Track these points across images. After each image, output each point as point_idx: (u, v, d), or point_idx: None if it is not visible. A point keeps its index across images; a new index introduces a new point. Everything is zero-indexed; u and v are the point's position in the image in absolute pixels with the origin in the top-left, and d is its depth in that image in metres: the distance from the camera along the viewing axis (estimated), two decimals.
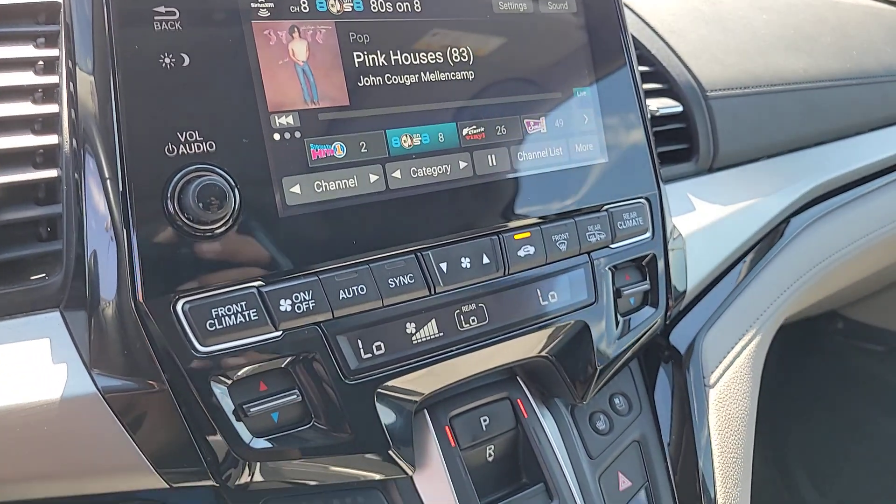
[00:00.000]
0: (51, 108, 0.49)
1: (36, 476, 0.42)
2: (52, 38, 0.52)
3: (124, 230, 0.43)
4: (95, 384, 0.43)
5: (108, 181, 0.43)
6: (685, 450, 0.67)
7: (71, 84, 0.44)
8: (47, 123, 0.49)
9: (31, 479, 0.42)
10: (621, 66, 0.66)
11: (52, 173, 0.47)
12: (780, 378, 1.99)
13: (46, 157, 0.48)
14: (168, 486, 0.45)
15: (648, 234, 0.66)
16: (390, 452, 0.50)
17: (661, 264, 0.67)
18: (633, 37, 0.80)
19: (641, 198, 0.66)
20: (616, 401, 0.68)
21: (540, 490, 0.58)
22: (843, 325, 1.84)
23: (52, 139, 0.48)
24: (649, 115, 0.69)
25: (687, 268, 0.71)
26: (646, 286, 0.66)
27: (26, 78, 0.49)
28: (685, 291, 0.70)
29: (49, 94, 0.49)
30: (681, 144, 0.80)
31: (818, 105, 0.92)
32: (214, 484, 0.46)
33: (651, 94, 0.79)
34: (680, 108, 0.78)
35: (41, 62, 0.51)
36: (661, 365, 0.71)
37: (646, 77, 0.80)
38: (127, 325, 0.43)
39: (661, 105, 0.77)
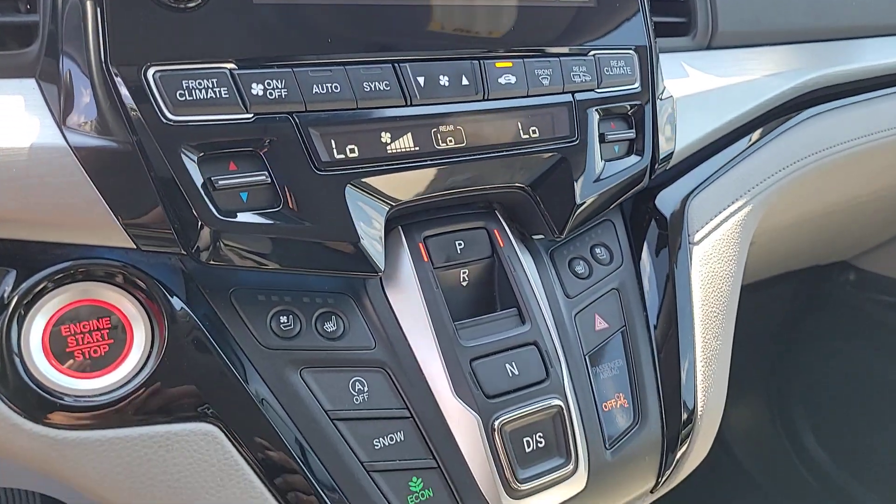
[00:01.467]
0: None
1: (5, 216, 0.43)
2: None
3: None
4: (66, 139, 0.44)
5: None
6: (665, 301, 0.67)
7: None
8: None
9: (4, 214, 0.43)
10: None
11: None
12: (788, 330, 1.97)
13: None
14: (136, 247, 0.46)
15: (636, 85, 0.66)
16: (359, 245, 0.51)
17: (648, 116, 0.66)
18: None
19: (630, 48, 0.66)
20: (597, 250, 0.67)
21: (512, 314, 0.58)
22: (854, 276, 1.81)
23: None
24: None
25: (676, 128, 0.70)
26: (631, 135, 0.66)
27: None
28: (672, 153, 0.70)
29: None
30: (679, 18, 0.79)
31: (828, 1, 0.91)
32: (182, 252, 0.47)
33: None
34: None
35: None
36: (646, 225, 0.71)
37: None
38: (97, 88, 0.44)
39: None
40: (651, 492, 0.64)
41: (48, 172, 0.43)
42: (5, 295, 0.43)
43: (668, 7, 0.79)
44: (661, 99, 0.68)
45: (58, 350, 0.44)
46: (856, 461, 1.86)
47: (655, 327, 0.66)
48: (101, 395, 0.44)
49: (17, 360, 0.42)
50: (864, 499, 1.83)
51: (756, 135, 0.80)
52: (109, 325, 0.45)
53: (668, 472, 0.63)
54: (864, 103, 0.91)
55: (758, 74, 0.81)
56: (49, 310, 0.44)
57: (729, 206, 0.73)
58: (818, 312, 1.91)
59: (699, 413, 0.65)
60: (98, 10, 0.44)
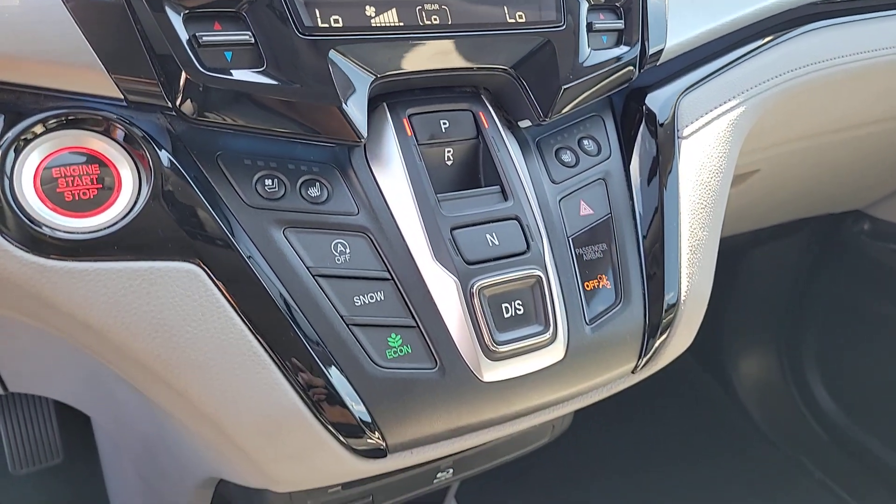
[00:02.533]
0: None
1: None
2: None
3: None
4: None
5: None
6: (652, 191, 0.67)
7: None
8: None
9: None
10: None
11: None
12: (800, 280, 1.95)
13: None
14: (124, 98, 0.48)
15: None
16: (341, 109, 0.52)
17: (637, 8, 0.67)
18: None
19: None
20: (585, 142, 0.68)
21: (496, 191, 0.60)
22: (868, 225, 1.79)
23: None
24: None
25: (667, 24, 0.70)
26: (619, 25, 0.66)
27: None
28: (662, 49, 0.70)
29: None
30: None
31: None
32: (168, 106, 0.49)
33: None
34: None
35: None
36: (636, 121, 0.71)
37: None
38: None
39: None
40: (633, 372, 0.65)
41: (40, 20, 0.45)
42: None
43: None
44: None
45: (49, 191, 0.46)
46: (868, 414, 1.85)
47: (641, 216, 0.66)
48: (88, 232, 0.46)
49: (10, 196, 0.45)
50: (877, 452, 1.82)
51: (753, 45, 0.80)
52: (98, 172, 0.47)
53: (649, 354, 0.65)
54: (872, 20, 0.89)
55: None
56: (41, 153, 0.46)
57: (721, 105, 0.73)
58: (831, 262, 1.89)
59: (682, 298, 0.65)
60: None
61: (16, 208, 0.45)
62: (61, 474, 1.45)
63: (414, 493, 0.75)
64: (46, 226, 0.45)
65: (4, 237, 0.44)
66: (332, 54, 0.52)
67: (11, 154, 0.45)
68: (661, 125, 0.70)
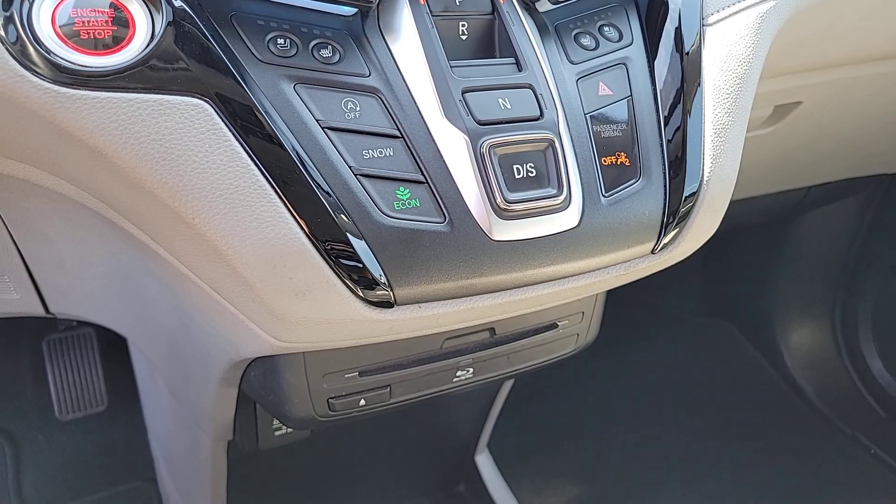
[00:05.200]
0: None
1: None
2: None
3: None
4: None
5: None
6: (674, 75, 0.65)
7: None
8: None
9: None
10: None
11: None
12: (854, 247, 1.87)
13: None
14: None
15: None
16: None
17: None
18: None
19: None
20: (606, 29, 0.67)
21: (510, 62, 0.59)
22: None
23: None
24: None
25: None
26: None
27: None
28: None
29: None
30: None
31: None
32: None
33: None
34: None
35: None
36: (660, 12, 0.69)
37: None
38: None
39: None
40: (652, 252, 0.63)
41: None
42: None
43: None
44: None
45: (66, 30, 0.48)
46: None
47: (663, 99, 0.65)
48: (105, 69, 0.47)
49: (29, 34, 0.46)
50: None
51: None
52: (113, 14, 0.49)
53: (670, 235, 0.63)
54: None
55: None
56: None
57: None
58: (888, 227, 1.81)
59: (706, 179, 0.63)
60: None
61: (34, 42, 0.46)
62: (104, 421, 1.50)
63: (434, 390, 0.75)
64: (64, 58, 0.47)
65: (24, 66, 0.46)
66: None
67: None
68: (686, 14, 0.68)
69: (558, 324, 0.77)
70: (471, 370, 0.75)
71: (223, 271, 0.51)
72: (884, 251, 1.82)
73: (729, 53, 0.68)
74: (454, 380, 0.75)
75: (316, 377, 0.68)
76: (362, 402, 0.72)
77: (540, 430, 1.71)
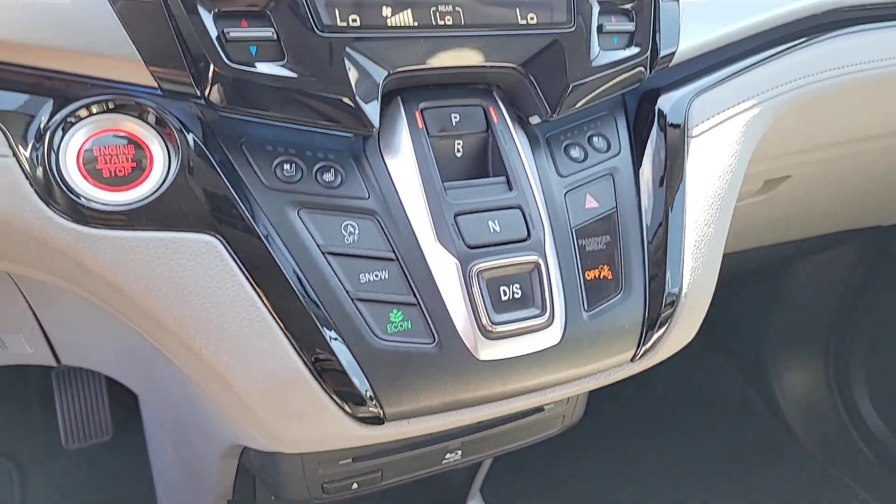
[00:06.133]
0: None
1: (51, 50, 0.51)
2: None
3: None
4: None
5: None
6: (658, 187, 0.69)
7: None
8: None
9: (47, 53, 0.51)
10: None
11: None
12: (848, 294, 1.91)
13: None
14: (158, 87, 0.54)
15: None
16: (354, 100, 0.56)
17: (649, 12, 0.69)
18: None
19: None
20: (595, 139, 0.71)
21: (501, 181, 0.63)
22: None
23: None
24: None
25: (680, 27, 0.72)
26: (630, 27, 0.69)
27: None
28: (675, 51, 0.72)
29: None
30: None
31: None
32: (197, 94, 0.54)
33: None
34: None
35: None
36: (647, 121, 0.73)
37: None
38: None
39: None
40: (631, 360, 0.67)
41: (89, 16, 0.51)
42: (48, 116, 0.52)
43: None
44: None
45: (89, 167, 0.52)
46: None
47: (646, 210, 0.68)
48: (122, 205, 0.51)
49: (55, 170, 0.51)
50: None
51: (770, 51, 0.80)
52: (133, 152, 0.53)
53: (648, 344, 0.66)
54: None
55: None
56: (84, 133, 0.52)
57: (733, 106, 0.75)
58: (881, 277, 1.84)
59: (684, 291, 0.67)
60: None
61: (60, 182, 0.50)
62: (109, 450, 1.54)
63: (424, 471, 0.78)
64: (86, 197, 0.51)
65: (50, 207, 0.50)
66: (349, 51, 0.57)
67: (59, 133, 0.51)
68: (672, 125, 0.72)
69: (544, 407, 0.81)
70: (459, 452, 0.79)
71: (226, 392, 0.56)
72: (877, 299, 1.85)
73: (712, 165, 0.72)
74: (443, 461, 0.79)
75: (311, 465, 0.72)
76: (355, 485, 0.76)
77: (533, 474, 1.75)
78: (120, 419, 1.55)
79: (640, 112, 0.74)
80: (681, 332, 0.68)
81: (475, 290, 0.58)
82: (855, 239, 1.81)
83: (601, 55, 0.67)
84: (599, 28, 0.67)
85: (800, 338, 1.98)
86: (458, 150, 0.64)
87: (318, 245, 0.56)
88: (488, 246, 0.59)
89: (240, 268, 0.53)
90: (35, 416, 1.55)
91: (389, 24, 0.59)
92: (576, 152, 0.69)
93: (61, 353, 1.00)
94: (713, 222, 0.70)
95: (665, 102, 0.74)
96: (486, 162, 0.65)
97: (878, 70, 0.88)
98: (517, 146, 0.65)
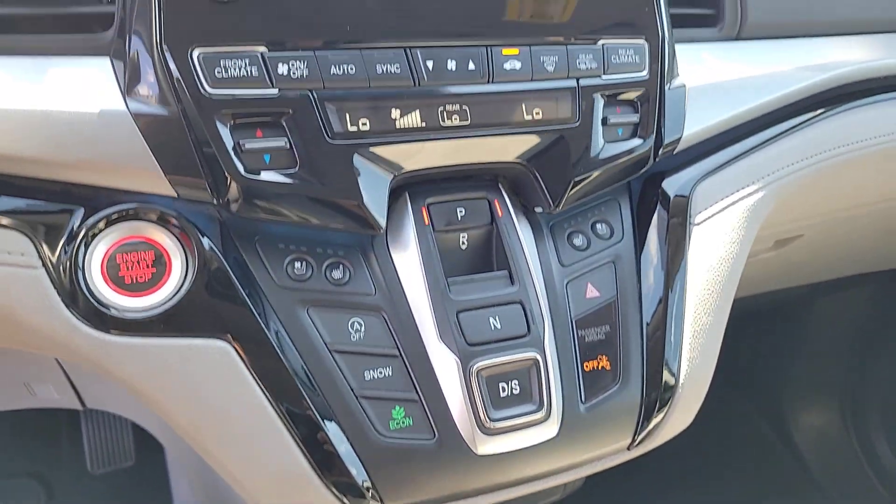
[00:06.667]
0: None
1: (75, 164, 0.55)
2: None
3: None
4: (127, 106, 0.55)
5: None
6: (659, 276, 0.71)
7: None
8: None
9: (71, 166, 0.55)
10: None
11: None
12: (865, 334, 1.89)
13: None
14: (177, 196, 0.57)
15: (644, 73, 0.70)
16: (361, 205, 0.59)
17: (653, 103, 0.71)
18: None
19: (641, 38, 0.70)
20: (599, 226, 0.72)
21: (503, 276, 0.65)
22: None
23: None
24: None
25: (685, 115, 0.74)
26: (635, 119, 0.70)
27: None
28: (680, 138, 0.73)
29: None
30: (707, 9, 0.82)
31: None
32: (214, 201, 0.57)
33: None
34: None
35: None
36: (651, 206, 0.75)
37: None
38: (152, 65, 0.54)
39: None
40: (628, 449, 0.69)
41: (113, 132, 0.55)
42: (75, 227, 0.55)
43: None
44: (670, 88, 0.72)
45: (113, 274, 0.55)
46: None
47: (647, 299, 0.70)
48: (142, 311, 0.55)
49: (81, 279, 0.54)
50: None
51: (775, 130, 0.82)
52: (153, 257, 0.56)
53: (644, 433, 0.68)
54: None
55: (785, 66, 0.82)
56: (107, 242, 0.56)
57: (737, 191, 0.76)
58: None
59: (681, 381, 0.69)
60: (156, 1, 0.54)
61: (86, 291, 0.54)
62: (132, 475, 1.59)
63: None
64: (109, 306, 0.54)
65: (75, 315, 0.53)
66: (357, 157, 0.59)
67: (85, 243, 0.55)
68: (675, 211, 0.74)
69: None
70: None
71: (233, 480, 0.59)
72: (891, 340, 1.84)
73: (713, 253, 0.73)
74: None
75: None
76: None
77: None
78: (142, 446, 1.61)
79: (643, 196, 0.76)
80: (677, 419, 0.70)
81: (474, 387, 0.60)
82: (870, 281, 1.80)
83: (605, 148, 0.69)
84: (604, 121, 0.69)
85: (816, 377, 1.97)
86: (464, 243, 0.67)
87: (325, 343, 0.59)
88: (489, 343, 0.61)
89: (250, 372, 0.56)
90: (63, 442, 1.60)
91: (398, 127, 0.61)
92: (579, 240, 0.71)
93: (87, 400, 1.04)
94: (713, 311, 0.71)
95: (669, 186, 0.76)
96: (490, 253, 0.67)
97: (887, 144, 0.89)
98: (520, 239, 0.67)
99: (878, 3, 0.90)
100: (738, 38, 0.84)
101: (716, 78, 0.78)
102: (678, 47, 0.77)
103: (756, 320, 1.98)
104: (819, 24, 0.87)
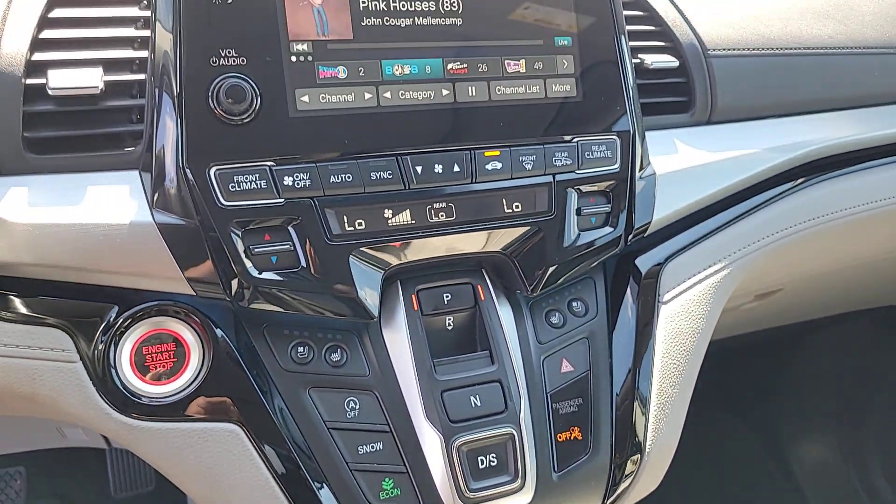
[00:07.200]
0: (145, 33, 0.69)
1: (109, 270, 0.64)
2: None
3: (179, 117, 0.62)
4: (153, 217, 0.63)
5: (173, 81, 0.62)
6: (629, 352, 0.78)
7: (153, 14, 0.64)
8: (143, 43, 0.69)
9: (106, 272, 0.64)
10: (604, 22, 0.77)
11: (142, 76, 0.68)
12: (864, 369, 1.94)
13: (141, 65, 0.69)
14: (195, 294, 0.65)
15: (616, 166, 0.77)
16: (356, 298, 0.67)
17: (624, 193, 0.78)
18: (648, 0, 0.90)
19: (613, 134, 0.77)
20: (574, 304, 0.80)
21: (484, 355, 0.73)
22: None
23: (144, 53, 0.68)
24: (633, 66, 0.79)
25: (654, 201, 0.81)
26: (607, 209, 0.77)
27: (133, 11, 0.71)
28: (649, 222, 0.80)
29: (146, 22, 0.70)
30: (679, 97, 0.89)
31: (841, 71, 0.96)
32: (227, 299, 0.65)
33: (653, 50, 0.89)
34: (675, 63, 0.87)
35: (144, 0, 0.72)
36: (624, 284, 0.82)
37: (651, 36, 0.90)
38: (175, 181, 0.63)
39: (657, 59, 0.86)
40: None
41: (141, 242, 0.63)
42: (110, 321, 0.64)
43: (669, 87, 0.89)
44: (641, 178, 0.79)
45: (139, 364, 0.64)
46: None
47: (617, 373, 0.77)
48: (164, 397, 0.63)
49: (113, 370, 0.62)
50: None
51: (745, 205, 0.88)
52: (174, 349, 0.64)
53: (613, 497, 0.75)
54: (868, 171, 0.96)
55: (753, 148, 0.89)
56: (135, 336, 0.64)
57: (703, 270, 0.83)
58: (893, 349, 1.87)
59: (648, 449, 0.76)
60: (179, 123, 0.63)
61: (117, 381, 0.62)
62: (153, 499, 1.69)
63: None
64: (136, 394, 0.63)
65: (107, 403, 0.62)
66: (353, 255, 0.67)
67: (116, 338, 0.63)
68: (645, 290, 0.81)
69: None
70: None
71: None
72: (891, 371, 1.88)
73: (681, 329, 0.80)
74: None
75: None
76: None
77: None
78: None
79: (617, 273, 0.83)
80: (644, 484, 0.77)
81: (455, 461, 0.68)
82: (867, 314, 1.85)
83: (579, 236, 0.76)
84: (578, 211, 0.76)
85: (815, 406, 2.02)
86: (449, 325, 0.74)
87: (323, 421, 0.67)
88: (469, 420, 0.69)
89: (257, 451, 0.64)
90: (89, 466, 1.70)
91: (391, 225, 0.69)
92: (556, 318, 0.78)
93: (113, 442, 1.13)
94: (678, 384, 0.78)
95: (641, 266, 0.83)
96: (474, 333, 0.75)
97: (850, 217, 0.95)
98: (500, 320, 0.74)
99: (838, 83, 0.96)
100: (708, 122, 0.91)
101: (687, 163, 0.85)
102: (652, 134, 0.85)
103: (756, 352, 2.04)
104: (784, 105, 0.94)
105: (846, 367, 1.96)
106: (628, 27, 0.85)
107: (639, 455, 0.76)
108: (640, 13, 0.91)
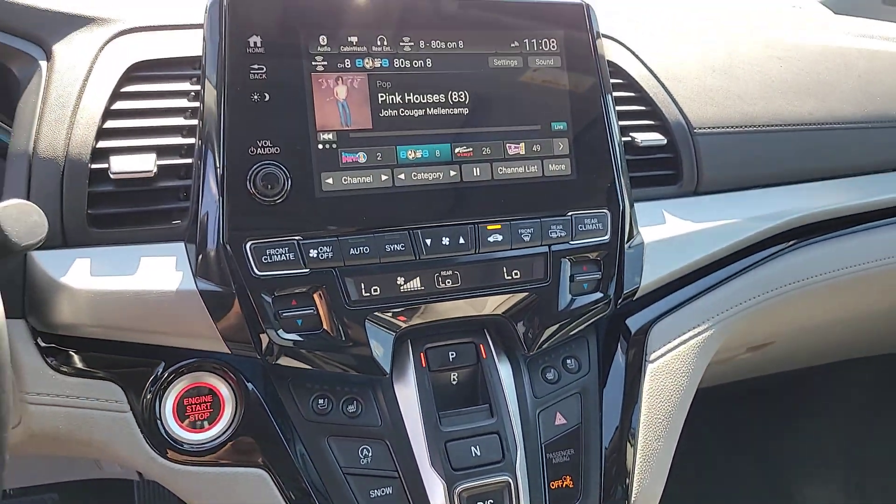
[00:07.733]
0: (193, 122, 0.80)
1: (157, 331, 0.73)
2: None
3: (221, 197, 0.72)
4: (196, 285, 0.73)
5: (216, 167, 0.72)
6: (617, 406, 0.86)
7: (202, 107, 0.74)
8: (191, 131, 0.80)
9: (154, 332, 0.73)
10: (596, 107, 0.87)
11: (190, 161, 0.78)
12: (868, 415, 1.98)
13: (189, 150, 0.79)
14: (230, 352, 0.74)
15: (606, 237, 0.86)
16: (372, 355, 0.76)
17: (614, 261, 0.86)
18: (637, 82, 1.00)
19: (604, 208, 0.86)
20: (568, 361, 0.88)
21: (485, 408, 0.81)
22: None
23: (192, 140, 0.79)
24: (622, 144, 0.88)
25: (642, 268, 0.89)
26: (598, 276, 0.86)
27: (182, 102, 0.81)
28: (637, 288, 0.89)
29: (193, 112, 0.81)
30: (668, 171, 0.98)
31: (821, 144, 1.05)
32: (257, 356, 0.74)
33: (643, 129, 0.98)
34: (663, 141, 0.96)
35: (192, 93, 0.82)
36: (614, 343, 0.90)
37: (641, 115, 0.99)
38: (216, 254, 0.72)
39: (646, 138, 0.95)
40: None
41: (186, 307, 0.73)
42: (157, 375, 0.73)
43: (658, 162, 0.97)
44: (629, 247, 0.88)
45: (181, 414, 0.73)
46: None
47: (606, 427, 0.85)
48: (202, 443, 0.72)
49: (158, 420, 0.72)
50: None
51: (729, 269, 0.96)
52: (211, 400, 0.74)
53: None
54: (845, 237, 1.03)
55: (736, 217, 0.97)
56: (178, 388, 0.73)
57: (688, 331, 0.91)
58: None
59: (633, 498, 0.83)
60: (221, 203, 0.73)
61: (162, 428, 0.72)
62: None
63: None
64: (179, 441, 0.72)
65: (152, 449, 0.71)
66: (368, 320, 0.76)
67: (163, 388, 0.73)
68: (633, 349, 0.89)
69: None
70: None
71: None
72: (894, 422, 1.92)
73: (666, 386, 0.88)
74: None
75: None
76: None
77: None
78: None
79: (609, 332, 0.91)
80: None
81: None
82: (870, 362, 1.89)
83: (572, 301, 0.85)
84: (571, 278, 0.85)
85: (821, 451, 2.06)
86: (454, 380, 0.83)
87: (340, 467, 0.75)
88: (470, 468, 0.77)
89: (281, 493, 0.73)
90: (117, 495, 1.79)
91: (402, 291, 0.78)
92: (551, 374, 0.87)
93: (145, 475, 1.22)
94: (663, 437, 0.86)
95: (631, 326, 0.91)
96: (475, 387, 0.83)
97: (832, 280, 1.03)
98: (500, 376, 0.83)
99: (817, 156, 1.04)
100: (695, 193, 0.99)
101: (674, 231, 0.94)
102: (643, 205, 0.93)
103: (762, 393, 2.08)
104: (767, 176, 1.02)
105: (852, 410, 2.00)
106: (620, 108, 0.94)
107: (626, 502, 0.83)
108: (631, 94, 1.00)
